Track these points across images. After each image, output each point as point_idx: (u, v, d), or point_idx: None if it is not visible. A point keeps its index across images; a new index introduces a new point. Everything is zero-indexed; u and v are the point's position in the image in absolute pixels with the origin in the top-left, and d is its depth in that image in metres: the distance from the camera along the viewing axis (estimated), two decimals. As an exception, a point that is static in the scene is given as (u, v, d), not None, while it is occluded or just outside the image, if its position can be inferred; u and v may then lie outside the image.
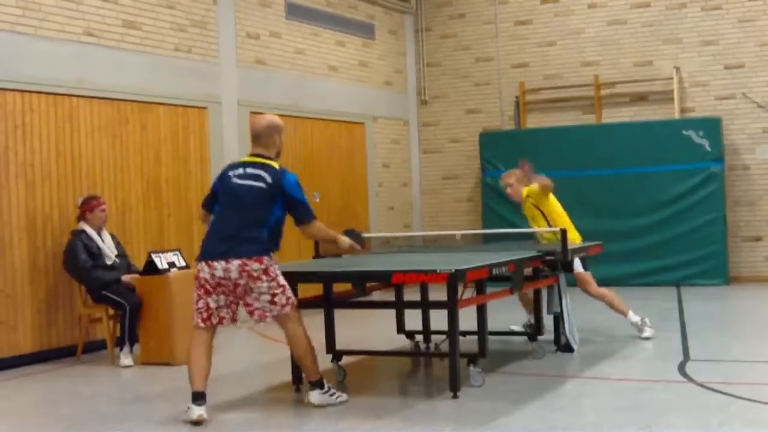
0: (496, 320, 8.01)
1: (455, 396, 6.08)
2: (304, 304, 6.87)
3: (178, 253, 8.58)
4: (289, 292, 5.94)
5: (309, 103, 12.31)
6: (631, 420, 5.43)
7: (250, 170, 5.96)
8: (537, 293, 7.76)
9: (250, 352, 9.20)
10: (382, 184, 13.96)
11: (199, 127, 10.52)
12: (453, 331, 6.10)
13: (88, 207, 8.42)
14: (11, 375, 7.91)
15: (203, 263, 5.90)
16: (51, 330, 8.60)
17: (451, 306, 6.06)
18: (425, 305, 7.90)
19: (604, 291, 8.49)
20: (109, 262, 8.39)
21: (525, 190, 8.50)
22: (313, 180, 12.35)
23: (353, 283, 7.19)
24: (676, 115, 13.11)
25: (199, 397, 5.76)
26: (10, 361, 8.16)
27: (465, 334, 6.86)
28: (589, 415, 5.71)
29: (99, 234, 8.44)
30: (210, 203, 6.25)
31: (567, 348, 7.68)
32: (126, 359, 8.12)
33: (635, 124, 13.14)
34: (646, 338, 8.23)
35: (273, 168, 5.95)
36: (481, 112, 14.50)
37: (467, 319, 6.57)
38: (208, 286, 5.87)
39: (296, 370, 6.60)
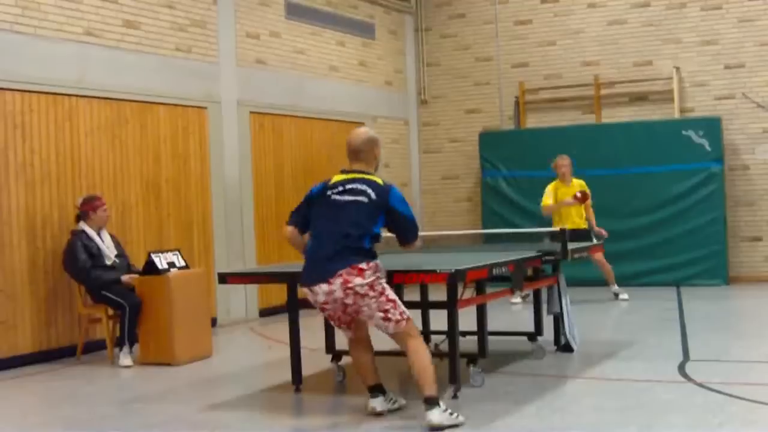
0: (496, 320, 8.01)
1: (455, 396, 6.08)
2: (303, 304, 6.87)
3: (177, 253, 8.58)
4: (402, 307, 5.56)
5: (309, 103, 12.31)
6: (631, 420, 5.43)
7: (350, 186, 5.68)
8: (537, 293, 7.78)
9: (250, 352, 9.21)
10: (382, 184, 13.93)
11: (198, 127, 10.52)
12: (453, 331, 6.10)
13: (91, 207, 8.42)
14: (11, 375, 7.91)
15: (306, 289, 5.62)
16: (51, 330, 8.60)
17: (451, 306, 6.06)
18: (425, 305, 7.90)
19: (609, 267, 11.01)
20: (108, 263, 8.38)
21: (577, 181, 10.94)
22: (314, 180, 12.28)
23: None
24: (676, 115, 13.11)
25: (372, 390, 5.82)
26: (9, 361, 8.16)
27: (465, 334, 6.86)
28: (589, 415, 5.70)
29: (99, 234, 8.44)
30: (301, 222, 5.79)
31: (567, 348, 7.67)
32: (126, 359, 8.11)
33: (635, 123, 13.14)
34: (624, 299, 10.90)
35: (376, 183, 5.66)
36: (480, 112, 14.49)
37: (467, 319, 6.58)
38: (320, 307, 5.64)
39: (296, 370, 6.60)
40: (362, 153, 5.81)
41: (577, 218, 10.80)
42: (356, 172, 5.75)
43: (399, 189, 5.72)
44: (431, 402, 5.37)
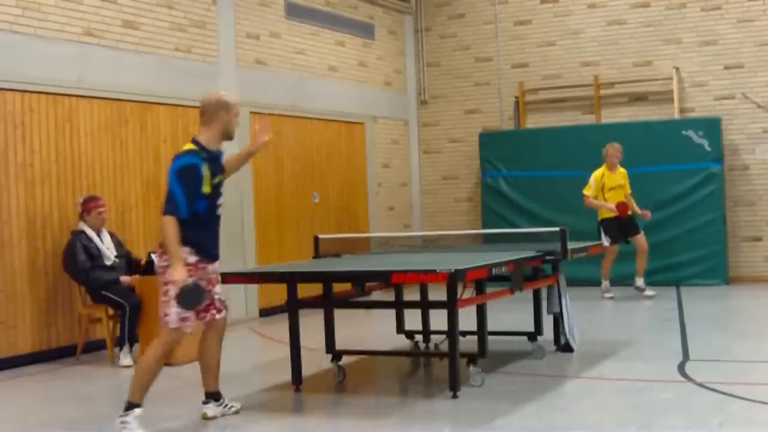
0: (496, 320, 8.02)
1: (455, 396, 6.08)
2: (304, 304, 6.88)
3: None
4: (170, 309, 5.42)
5: (309, 103, 12.31)
6: (631, 420, 5.44)
7: None
8: (537, 293, 7.78)
9: (250, 352, 9.20)
10: (381, 184, 13.96)
11: (198, 128, 10.48)
12: (453, 331, 6.10)
13: (85, 208, 8.42)
14: (11, 375, 7.90)
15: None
16: (51, 330, 8.60)
17: (451, 306, 6.06)
18: (425, 305, 7.90)
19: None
20: (108, 263, 8.38)
21: (622, 169, 11.34)
22: (313, 180, 12.36)
23: (353, 283, 7.20)
24: (676, 115, 13.11)
25: (209, 396, 5.95)
26: (9, 361, 8.16)
27: (465, 334, 6.86)
28: (589, 415, 5.70)
29: (98, 234, 8.44)
30: None
31: (567, 348, 7.67)
32: (126, 359, 8.11)
33: (635, 124, 13.14)
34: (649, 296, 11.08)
35: (179, 152, 5.59)
36: (480, 112, 14.50)
37: (467, 319, 6.58)
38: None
39: (296, 370, 6.60)
40: (205, 115, 5.67)
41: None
42: (191, 143, 5.64)
43: (188, 161, 5.45)
44: (128, 407, 5.47)
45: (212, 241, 5.65)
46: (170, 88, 10.10)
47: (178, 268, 5.34)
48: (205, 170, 5.49)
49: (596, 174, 11.20)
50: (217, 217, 5.69)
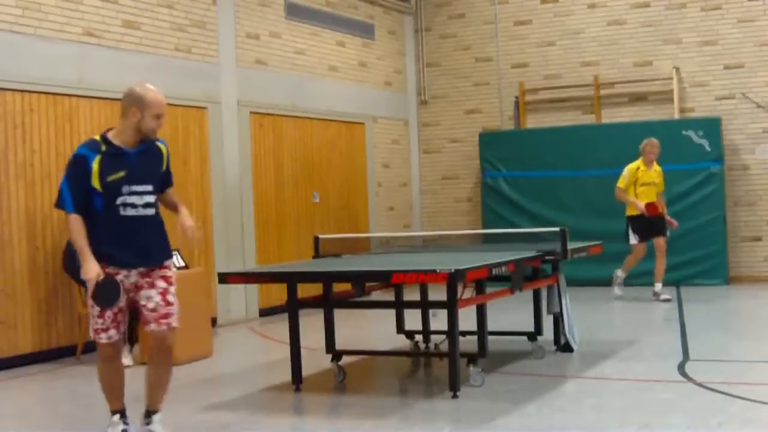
0: (496, 320, 8.02)
1: (455, 396, 6.08)
2: (304, 304, 6.88)
3: (177, 253, 8.58)
4: (96, 323, 5.12)
5: (309, 103, 12.31)
6: (631, 420, 5.43)
7: None
8: (537, 292, 7.78)
9: (250, 352, 9.21)
10: (381, 184, 13.96)
11: (198, 127, 10.52)
12: (453, 331, 6.10)
13: None
14: (11, 375, 7.90)
15: None
16: (50, 330, 8.60)
17: (451, 306, 6.06)
18: (425, 305, 7.90)
19: (665, 261, 11.06)
20: (108, 262, 8.38)
21: (657, 169, 11.05)
22: (313, 180, 12.36)
23: (353, 283, 7.20)
24: (676, 115, 13.11)
25: (119, 412, 5.54)
26: (9, 361, 8.16)
27: (465, 334, 6.86)
28: (589, 415, 5.70)
29: (99, 234, 8.43)
30: None
31: (567, 348, 7.67)
32: (125, 359, 8.10)
33: (635, 124, 13.14)
34: (666, 300, 10.76)
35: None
36: (480, 112, 14.50)
37: (467, 319, 6.58)
38: None
39: (296, 370, 6.60)
40: (121, 106, 5.23)
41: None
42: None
43: (78, 152, 5.04)
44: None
45: (120, 244, 5.05)
46: (170, 88, 10.07)
47: (88, 264, 4.94)
48: (95, 164, 4.97)
49: (631, 167, 10.94)
50: (130, 218, 5.08)
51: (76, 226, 5.00)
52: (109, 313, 5.10)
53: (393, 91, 14.38)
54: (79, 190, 5.01)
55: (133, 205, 5.10)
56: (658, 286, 10.96)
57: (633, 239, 10.90)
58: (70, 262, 8.29)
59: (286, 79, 11.97)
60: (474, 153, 14.20)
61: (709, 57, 13.07)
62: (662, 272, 11.04)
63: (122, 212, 5.06)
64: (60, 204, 5.09)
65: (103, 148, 5.04)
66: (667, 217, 11.12)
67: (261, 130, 11.49)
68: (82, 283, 8.34)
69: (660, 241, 10.97)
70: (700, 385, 6.26)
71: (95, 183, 4.98)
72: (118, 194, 5.05)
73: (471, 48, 14.53)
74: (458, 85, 14.63)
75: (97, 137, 5.12)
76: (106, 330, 5.15)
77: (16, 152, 8.43)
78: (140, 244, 5.12)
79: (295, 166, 12.04)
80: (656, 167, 11.02)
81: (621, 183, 10.93)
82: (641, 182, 10.88)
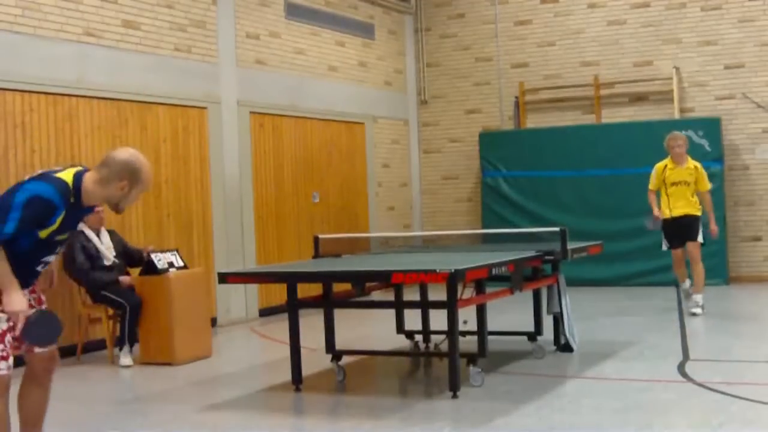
0: (496, 320, 8.02)
1: (455, 396, 6.08)
2: (304, 304, 6.88)
3: (175, 253, 8.59)
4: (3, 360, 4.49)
5: (309, 103, 12.31)
6: (631, 420, 5.43)
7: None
8: (537, 293, 7.78)
9: (250, 352, 9.21)
10: (382, 184, 13.96)
11: (198, 127, 10.52)
12: (453, 331, 6.09)
13: None
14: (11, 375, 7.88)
15: None
16: (51, 330, 8.58)
17: (451, 306, 6.06)
18: (425, 305, 7.90)
19: (702, 268, 9.84)
20: (107, 263, 8.38)
21: (692, 162, 9.88)
22: (313, 180, 12.35)
23: (353, 283, 7.20)
24: (676, 115, 13.11)
25: None
26: (9, 361, 8.15)
27: (465, 334, 6.86)
28: (589, 415, 5.70)
29: (98, 235, 8.44)
30: None
31: (567, 348, 7.67)
32: (126, 359, 8.11)
33: (635, 124, 13.14)
34: (693, 314, 9.64)
35: (49, 172, 4.34)
36: (480, 112, 14.50)
37: (467, 319, 6.58)
38: None
39: (296, 370, 6.59)
40: (106, 167, 4.33)
41: (686, 207, 9.76)
42: (71, 167, 4.43)
43: (50, 195, 4.19)
44: None
45: (25, 273, 4.40)
46: (170, 88, 10.10)
47: (15, 295, 4.25)
48: (58, 221, 4.26)
49: (658, 166, 9.89)
50: (39, 263, 4.48)
51: (3, 255, 4.21)
52: (9, 338, 4.46)
53: (393, 91, 14.38)
54: (26, 229, 4.21)
55: (48, 261, 4.56)
56: (697, 296, 9.78)
57: (664, 245, 9.91)
58: (70, 263, 8.30)
59: (286, 79, 11.96)
60: (474, 153, 14.20)
61: (709, 57, 13.07)
62: (698, 281, 9.79)
63: (40, 261, 4.48)
64: None
65: (72, 200, 4.29)
66: (711, 223, 9.87)
67: (261, 130, 11.49)
68: (82, 284, 8.38)
69: (689, 247, 9.74)
70: (700, 385, 6.26)
71: (42, 233, 4.29)
72: (49, 252, 4.48)
73: (471, 48, 14.52)
74: (458, 85, 14.63)
75: (70, 182, 4.28)
76: (6, 358, 4.52)
77: (16, 152, 8.43)
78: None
79: (295, 166, 12.04)
80: (690, 164, 9.82)
81: (650, 185, 9.91)
82: (670, 182, 9.78)
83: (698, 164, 9.90)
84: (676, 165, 9.79)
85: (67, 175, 4.29)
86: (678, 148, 9.75)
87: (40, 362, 4.73)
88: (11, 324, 4.37)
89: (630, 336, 8.49)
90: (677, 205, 9.74)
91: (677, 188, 9.75)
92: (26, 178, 4.36)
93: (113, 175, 4.32)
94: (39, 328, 4.41)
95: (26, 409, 4.80)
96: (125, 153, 4.40)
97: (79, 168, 4.39)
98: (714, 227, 9.86)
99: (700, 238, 9.74)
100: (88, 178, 4.33)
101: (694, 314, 9.61)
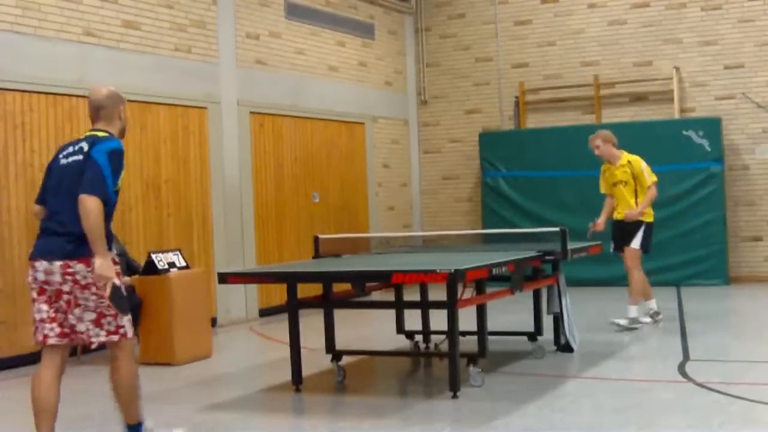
0: (496, 320, 8.02)
1: (455, 396, 6.08)
2: (304, 304, 6.88)
3: (178, 253, 8.59)
4: (123, 320, 4.77)
5: (309, 103, 12.32)
6: (631, 420, 5.44)
7: (78, 145, 4.89)
8: (537, 293, 7.78)
9: (250, 352, 9.21)
10: (381, 184, 13.96)
11: (198, 127, 10.52)
12: (453, 331, 6.10)
13: None
14: (11, 375, 7.90)
15: (30, 263, 4.82)
16: (51, 330, 8.58)
17: (451, 306, 6.06)
18: (425, 305, 7.90)
19: (638, 277, 8.87)
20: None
21: (626, 157, 9.03)
22: (313, 180, 12.35)
23: (353, 283, 7.20)
24: (676, 115, 13.11)
25: None
26: (10, 361, 8.16)
27: (465, 334, 6.86)
28: (589, 415, 5.70)
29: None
30: (41, 196, 5.02)
31: (567, 348, 7.67)
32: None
33: (635, 124, 13.14)
34: (612, 322, 8.81)
35: (97, 136, 4.87)
36: (480, 112, 14.50)
37: (467, 319, 6.58)
38: (36, 292, 4.77)
39: (296, 370, 6.60)
40: (103, 110, 4.97)
41: (625, 210, 8.99)
42: (93, 131, 4.96)
43: (120, 146, 4.82)
44: (131, 429, 4.96)
45: (108, 237, 4.75)
46: (170, 88, 10.10)
47: (108, 261, 4.61)
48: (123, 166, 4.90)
49: (602, 167, 9.31)
50: (110, 223, 4.84)
51: (102, 217, 4.60)
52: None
53: (393, 91, 14.38)
54: (112, 185, 4.72)
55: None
56: (629, 308, 8.82)
57: (636, 243, 8.93)
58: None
59: (286, 79, 11.97)
60: (474, 153, 14.20)
61: (709, 57, 13.07)
62: (630, 290, 8.87)
63: (111, 217, 4.86)
64: (104, 192, 4.60)
65: None
66: (632, 212, 8.87)
67: (261, 130, 11.50)
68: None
69: (624, 253, 8.97)
70: (700, 385, 6.26)
71: (118, 183, 4.82)
72: (115, 204, 4.88)
73: (471, 48, 14.53)
74: (458, 85, 14.63)
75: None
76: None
77: (16, 152, 8.43)
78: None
79: (295, 166, 12.04)
80: (624, 159, 9.00)
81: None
82: (610, 183, 9.18)
83: (633, 158, 8.99)
84: (609, 165, 9.12)
85: (100, 133, 4.95)
86: (596, 150, 9.08)
87: (57, 353, 4.89)
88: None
89: (630, 336, 8.49)
90: (618, 208, 9.05)
91: (617, 189, 9.06)
92: (66, 150, 4.90)
93: (112, 109, 5.05)
94: (122, 298, 4.70)
95: (44, 399, 4.90)
96: (102, 90, 5.08)
97: (88, 133, 4.98)
98: (632, 214, 8.83)
99: (635, 244, 8.83)
100: (105, 127, 5.02)
101: (613, 323, 8.77)
